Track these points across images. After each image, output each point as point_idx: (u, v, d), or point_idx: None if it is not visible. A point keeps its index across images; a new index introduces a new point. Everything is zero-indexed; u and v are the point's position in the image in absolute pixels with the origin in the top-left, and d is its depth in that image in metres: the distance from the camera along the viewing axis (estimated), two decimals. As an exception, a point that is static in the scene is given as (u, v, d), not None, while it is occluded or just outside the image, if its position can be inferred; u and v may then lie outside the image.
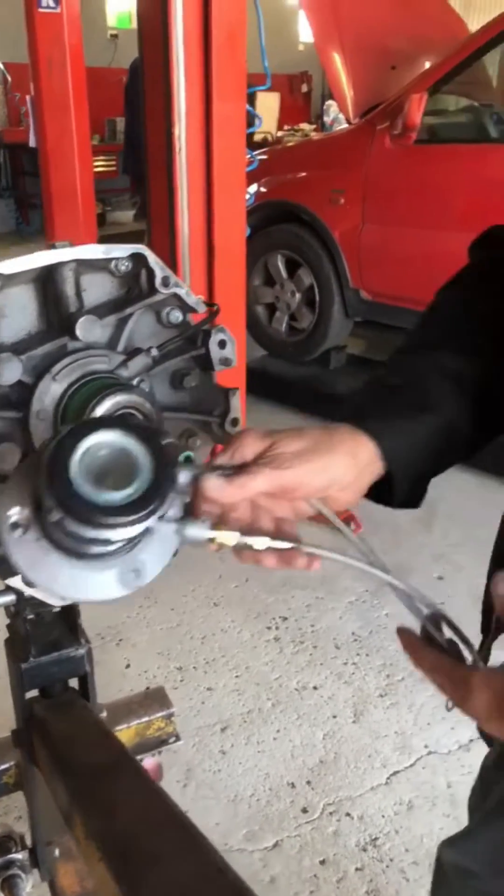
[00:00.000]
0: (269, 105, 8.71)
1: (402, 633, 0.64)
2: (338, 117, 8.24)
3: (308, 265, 4.03)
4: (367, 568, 0.67)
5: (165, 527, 0.59)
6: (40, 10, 3.20)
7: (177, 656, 2.17)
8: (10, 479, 0.58)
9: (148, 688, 1.96)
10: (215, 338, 0.83)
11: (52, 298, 0.74)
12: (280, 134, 8.71)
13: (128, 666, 2.12)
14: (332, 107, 8.85)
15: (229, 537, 0.63)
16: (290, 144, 4.71)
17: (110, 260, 0.77)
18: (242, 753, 1.85)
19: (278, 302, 4.23)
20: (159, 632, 2.27)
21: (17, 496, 0.57)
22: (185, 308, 0.83)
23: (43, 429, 0.73)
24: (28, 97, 6.73)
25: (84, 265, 0.75)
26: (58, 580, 0.57)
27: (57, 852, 1.15)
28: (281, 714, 1.98)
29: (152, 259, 0.77)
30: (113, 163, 8.54)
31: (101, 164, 7.89)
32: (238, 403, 0.89)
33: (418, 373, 0.75)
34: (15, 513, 0.56)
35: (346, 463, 0.68)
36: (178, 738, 1.62)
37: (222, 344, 0.84)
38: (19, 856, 1.11)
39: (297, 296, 4.13)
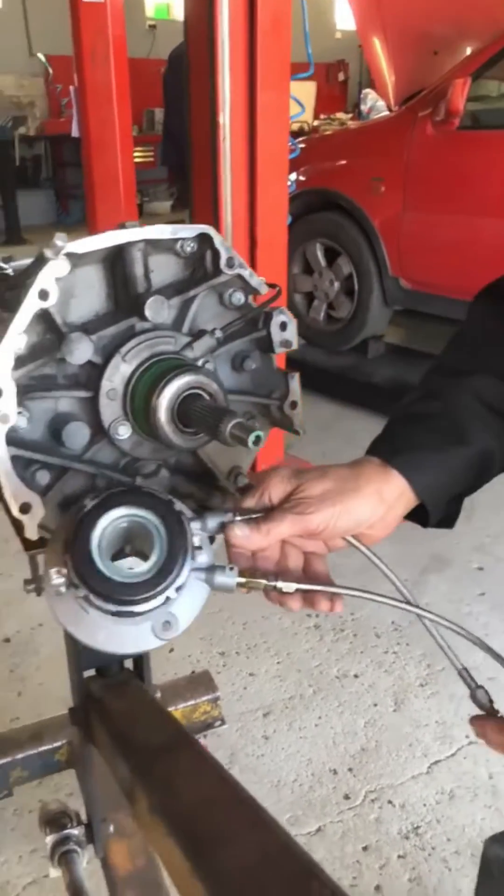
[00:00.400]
0: (305, 94, 8.67)
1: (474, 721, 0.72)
2: (375, 106, 8.15)
3: (347, 253, 4.01)
4: (402, 606, 0.70)
5: (195, 578, 0.62)
6: (85, 0, 3.22)
7: (219, 641, 2.19)
8: (53, 537, 0.62)
9: (193, 672, 1.99)
10: (277, 319, 0.83)
11: (121, 279, 0.75)
12: (316, 123, 8.65)
13: (171, 650, 2.14)
14: (369, 95, 8.76)
15: (258, 583, 0.66)
16: (329, 133, 4.68)
17: (177, 240, 0.77)
18: (285, 739, 1.86)
19: (316, 291, 4.22)
20: (202, 617, 2.26)
21: (58, 555, 0.61)
22: (248, 290, 0.83)
23: (113, 408, 0.74)
24: (71, 88, 6.78)
25: (151, 246, 0.76)
26: (97, 637, 0.62)
27: (111, 828, 1.17)
28: (322, 701, 1.99)
29: (218, 240, 0.77)
30: (151, 154, 8.57)
31: (139, 155, 7.91)
32: (297, 387, 0.89)
33: (453, 400, 0.73)
34: (54, 573, 0.60)
35: (372, 503, 0.68)
36: (223, 722, 1.64)
37: (283, 326, 0.84)
38: (75, 831, 1.13)
39: (336, 284, 4.12)
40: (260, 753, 1.82)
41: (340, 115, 10.05)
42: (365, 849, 1.60)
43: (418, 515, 0.74)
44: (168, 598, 0.59)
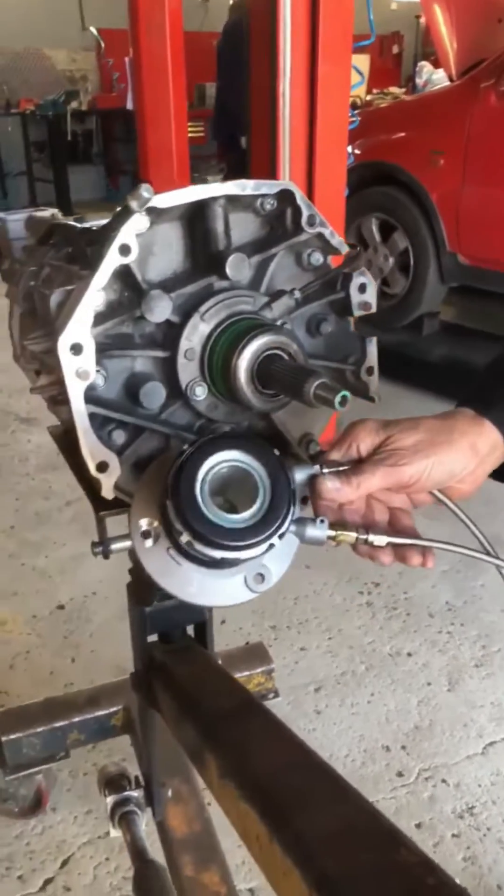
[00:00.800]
0: (359, 66, 8.49)
1: None
2: (431, 79, 7.96)
3: (403, 228, 3.93)
4: (488, 559, 0.67)
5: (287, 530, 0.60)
6: (143, -30, 3.19)
7: (270, 615, 2.19)
8: (140, 488, 0.60)
9: (247, 643, 1.99)
10: (356, 281, 0.81)
11: (201, 236, 0.73)
12: (369, 98, 8.49)
13: (223, 622, 2.14)
14: (424, 68, 8.55)
15: (349, 535, 0.64)
16: (385, 105, 4.58)
17: (257, 197, 0.75)
18: (337, 714, 1.85)
19: (371, 266, 4.15)
20: (253, 591, 2.29)
21: (147, 507, 0.59)
22: (327, 250, 0.81)
23: (191, 369, 0.73)
24: (126, 59, 6.74)
25: (231, 202, 0.74)
26: (187, 588, 0.60)
27: (169, 793, 1.18)
28: (375, 678, 1.97)
29: (299, 196, 0.75)
30: (201, 129, 8.50)
31: (189, 130, 7.85)
32: (375, 351, 0.87)
33: None
34: (145, 524, 0.58)
35: (466, 456, 0.66)
36: (276, 695, 1.64)
37: (363, 288, 0.82)
38: (135, 793, 1.14)
39: (391, 260, 4.04)
40: (311, 728, 1.82)
41: (394, 89, 9.84)
42: (418, 826, 1.58)
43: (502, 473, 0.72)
44: (271, 546, 0.57)
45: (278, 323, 0.76)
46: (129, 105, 5.02)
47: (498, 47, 3.71)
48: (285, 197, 0.76)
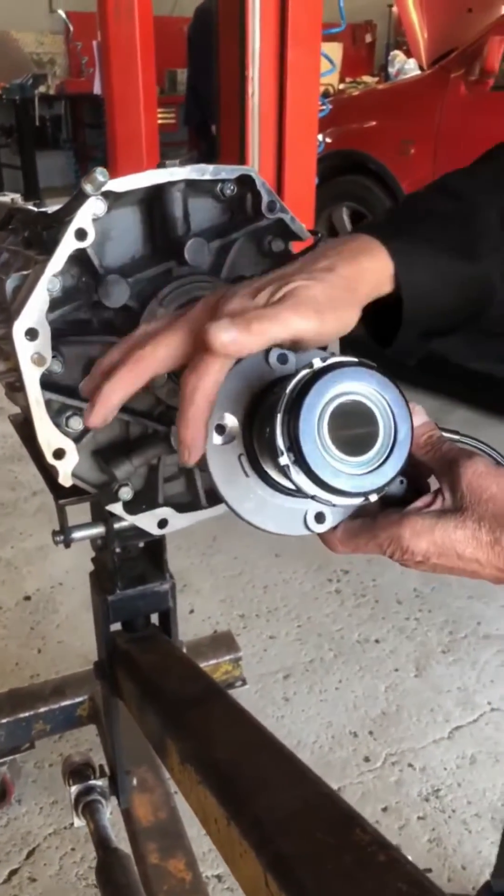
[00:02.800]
0: (331, 55, 8.46)
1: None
2: (403, 68, 7.96)
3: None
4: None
5: None
6: (110, -49, 3.14)
7: (239, 604, 2.19)
8: (227, 381, 0.54)
9: (215, 632, 1.99)
10: (317, 268, 0.81)
11: (159, 221, 0.72)
12: (342, 87, 8.48)
13: (191, 611, 2.15)
14: (397, 57, 8.56)
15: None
16: (357, 93, 4.58)
17: (217, 182, 0.74)
18: (305, 701, 1.87)
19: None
20: (222, 579, 2.29)
21: (231, 402, 0.54)
22: (288, 236, 0.81)
23: (149, 354, 0.72)
24: (94, 43, 6.66)
25: (191, 187, 0.73)
26: (244, 503, 0.55)
27: (134, 782, 1.18)
28: (343, 665, 1.99)
29: (259, 181, 0.75)
30: (172, 115, 8.44)
31: (160, 117, 7.79)
32: (336, 344, 0.87)
33: (471, 206, 0.65)
34: (225, 418, 0.53)
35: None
36: (244, 682, 1.65)
37: (324, 275, 0.81)
38: (99, 782, 1.14)
39: (362, 250, 4.05)
40: (280, 715, 1.83)
41: (367, 77, 9.85)
42: (385, 810, 1.60)
43: (377, 330, 0.66)
44: (367, 499, 0.50)
45: (238, 309, 0.75)
46: (97, 89, 4.96)
47: (467, 37, 3.72)
48: (245, 182, 0.75)
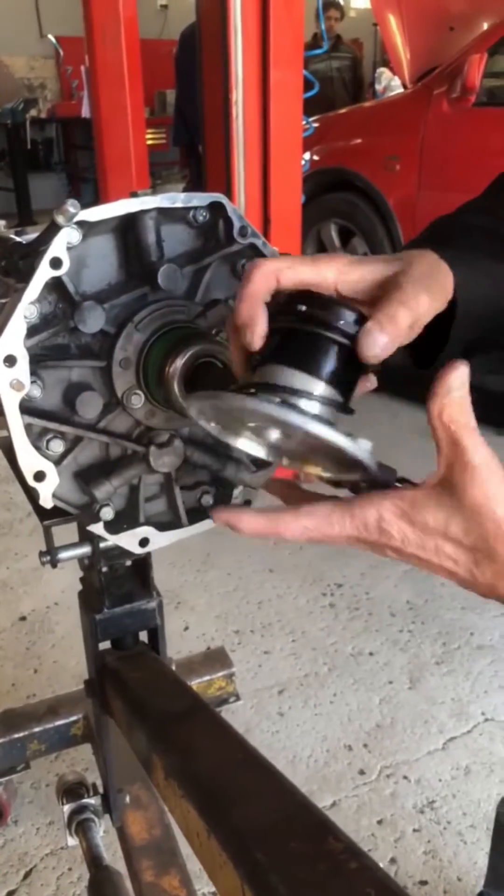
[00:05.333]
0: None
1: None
2: (390, 85, 8.05)
3: (362, 234, 3.98)
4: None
5: None
6: (96, -21, 3.20)
7: (234, 620, 2.20)
8: None
9: (208, 648, 2.00)
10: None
11: (133, 248, 0.75)
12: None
13: (186, 628, 2.15)
14: (384, 74, 8.64)
15: None
16: (343, 111, 4.64)
17: (189, 209, 0.77)
18: (300, 716, 1.87)
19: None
20: (217, 596, 2.30)
21: None
22: (261, 260, 0.83)
23: (126, 378, 0.74)
24: (83, 68, 6.75)
25: (164, 214, 0.75)
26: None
27: (127, 799, 1.18)
28: (337, 678, 1.99)
29: (230, 208, 0.77)
30: (163, 135, 8.52)
31: (150, 137, 7.86)
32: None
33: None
34: None
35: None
36: (237, 698, 1.66)
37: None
38: (92, 801, 1.15)
39: (351, 265, 4.08)
40: (275, 730, 1.84)
41: (354, 94, 9.93)
42: (380, 822, 1.61)
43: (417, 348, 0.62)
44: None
45: (213, 332, 0.78)
46: (86, 113, 5.01)
47: (450, 55, 3.78)
48: (217, 209, 0.78)
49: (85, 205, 0.68)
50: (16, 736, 1.43)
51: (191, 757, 0.74)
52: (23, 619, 2.21)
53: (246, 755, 0.72)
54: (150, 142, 7.68)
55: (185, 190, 8.81)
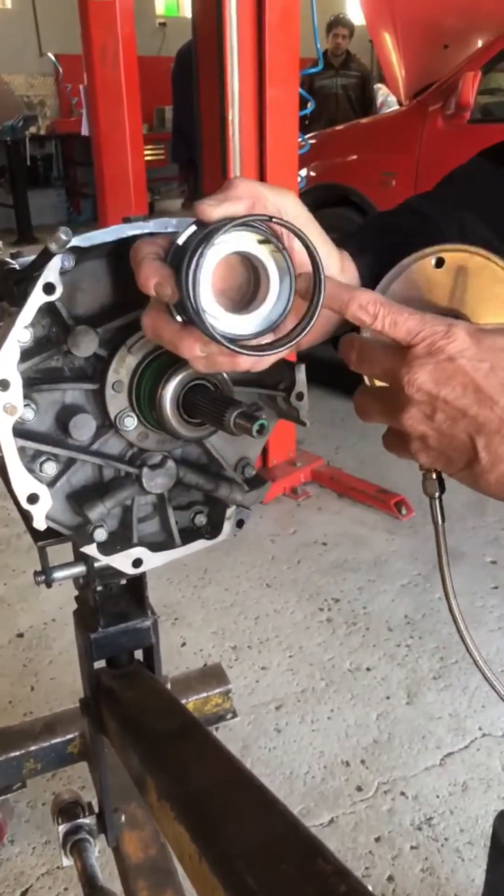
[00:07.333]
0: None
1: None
2: (387, 100, 8.12)
3: (358, 249, 4.00)
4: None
5: None
6: (94, -1, 3.24)
7: (231, 635, 2.20)
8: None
9: (205, 664, 2.00)
10: (282, 312, 0.84)
11: (127, 271, 0.75)
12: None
13: (183, 644, 2.15)
14: (381, 89, 8.73)
15: None
16: (340, 128, 4.68)
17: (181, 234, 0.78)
18: (297, 732, 1.87)
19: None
20: (214, 611, 2.30)
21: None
22: (253, 282, 0.84)
23: (119, 400, 0.75)
24: (81, 87, 6.81)
25: (157, 238, 0.76)
26: None
27: (122, 818, 1.18)
28: (335, 694, 1.99)
29: (222, 233, 0.78)
30: (161, 151, 8.59)
31: (149, 153, 7.93)
32: (303, 377, 0.89)
33: (434, 223, 0.71)
34: None
35: None
36: (234, 715, 1.65)
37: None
38: (87, 821, 1.15)
39: (348, 280, 4.10)
40: (272, 746, 1.83)
41: (351, 110, 10.00)
42: (377, 840, 1.60)
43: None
44: None
45: (205, 354, 0.78)
46: (84, 131, 5.05)
47: (444, 72, 3.82)
48: (209, 232, 0.79)
49: (84, 221, 0.69)
50: (11, 754, 1.43)
51: (183, 778, 0.74)
52: (20, 635, 2.21)
53: (238, 775, 0.72)
54: (148, 158, 7.75)
55: (183, 205, 8.86)
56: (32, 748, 1.45)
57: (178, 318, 0.60)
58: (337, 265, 0.67)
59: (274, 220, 0.57)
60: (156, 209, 9.06)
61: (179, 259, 0.58)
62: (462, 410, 0.53)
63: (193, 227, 0.59)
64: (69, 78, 9.08)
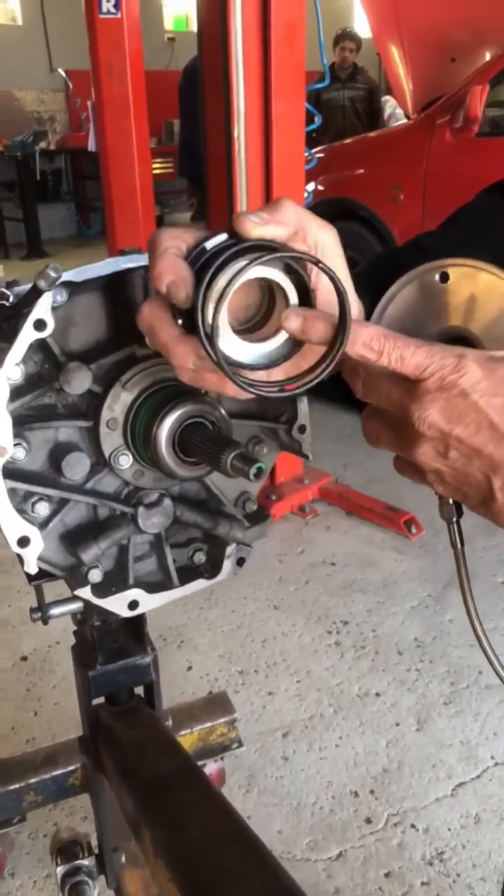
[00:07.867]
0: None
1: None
2: (394, 113, 8.12)
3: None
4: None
5: None
6: (101, 16, 3.25)
7: (238, 659, 2.16)
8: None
9: (210, 692, 1.96)
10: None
11: (122, 305, 0.73)
12: (335, 132, 8.63)
13: (189, 668, 2.12)
14: (388, 102, 8.73)
15: None
16: (347, 141, 4.67)
17: (177, 266, 0.75)
18: (305, 760, 1.83)
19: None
20: (220, 634, 2.27)
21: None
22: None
23: (114, 438, 0.72)
24: (89, 102, 6.84)
25: (151, 272, 0.74)
26: None
27: (123, 858, 1.15)
28: (343, 720, 1.95)
29: (220, 264, 0.75)
30: (170, 165, 8.61)
31: (158, 167, 7.95)
32: (306, 409, 0.87)
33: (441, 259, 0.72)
34: None
35: None
36: (240, 744, 1.62)
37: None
38: (86, 862, 1.12)
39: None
40: (279, 775, 1.79)
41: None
42: (387, 875, 1.56)
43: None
44: None
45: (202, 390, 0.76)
46: (92, 146, 5.07)
47: (452, 86, 3.80)
48: (206, 263, 0.76)
49: (94, 234, 0.67)
50: (11, 787, 1.40)
51: (178, 833, 0.71)
52: (24, 658, 2.18)
53: (234, 829, 0.69)
54: (157, 171, 7.76)
55: (192, 218, 8.88)
56: (33, 780, 1.42)
57: (179, 322, 0.55)
58: (357, 306, 0.63)
59: (321, 265, 0.52)
60: (165, 222, 9.07)
61: (205, 267, 0.52)
62: (476, 450, 0.51)
63: (224, 236, 0.54)
64: (79, 93, 9.13)
